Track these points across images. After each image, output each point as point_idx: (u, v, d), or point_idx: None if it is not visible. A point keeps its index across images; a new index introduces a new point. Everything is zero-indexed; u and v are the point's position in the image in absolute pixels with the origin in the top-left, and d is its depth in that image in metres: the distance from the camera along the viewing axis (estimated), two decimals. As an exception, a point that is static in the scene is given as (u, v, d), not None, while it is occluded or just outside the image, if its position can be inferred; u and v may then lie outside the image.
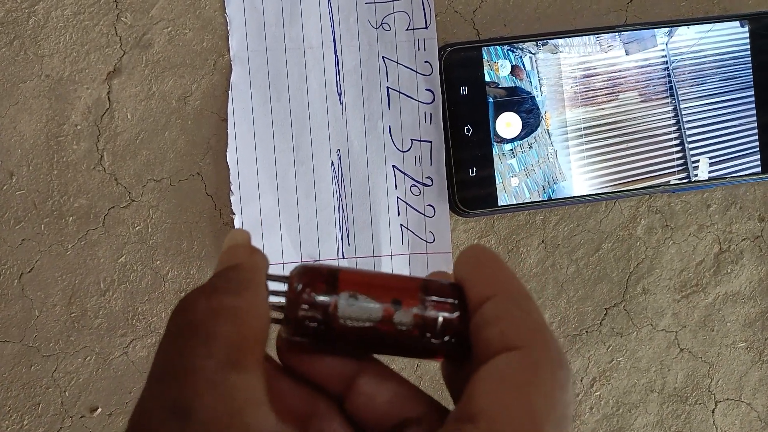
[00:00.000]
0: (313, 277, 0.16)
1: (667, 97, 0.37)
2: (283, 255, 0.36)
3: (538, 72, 0.36)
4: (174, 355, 0.14)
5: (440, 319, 0.16)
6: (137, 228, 0.36)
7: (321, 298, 0.16)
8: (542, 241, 0.38)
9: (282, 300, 0.17)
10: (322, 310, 0.16)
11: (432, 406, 0.17)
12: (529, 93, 0.36)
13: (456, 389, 0.17)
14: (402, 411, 0.16)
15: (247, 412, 0.14)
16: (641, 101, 0.37)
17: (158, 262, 0.36)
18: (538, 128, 0.36)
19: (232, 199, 0.35)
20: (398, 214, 0.37)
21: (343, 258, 0.36)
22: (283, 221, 0.36)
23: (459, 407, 0.14)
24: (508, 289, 0.16)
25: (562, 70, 0.36)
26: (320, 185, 0.36)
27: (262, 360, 0.15)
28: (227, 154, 0.35)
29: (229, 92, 0.35)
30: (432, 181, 0.36)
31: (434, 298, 0.17)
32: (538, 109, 0.36)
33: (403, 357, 0.17)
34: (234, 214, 0.35)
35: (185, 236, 0.36)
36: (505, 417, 0.13)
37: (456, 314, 0.16)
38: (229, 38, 0.35)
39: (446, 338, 0.16)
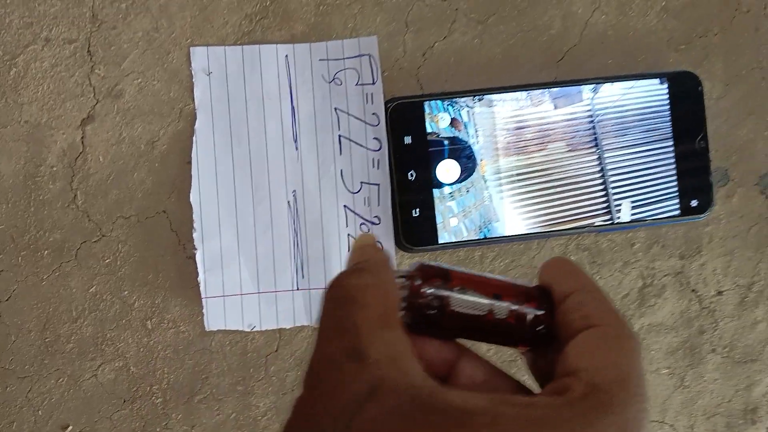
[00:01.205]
0: (431, 273, 0.20)
1: (592, 146, 0.41)
2: (241, 287, 0.39)
3: (474, 124, 0.40)
4: (340, 318, 0.18)
5: (531, 313, 0.20)
6: (107, 261, 0.40)
7: (437, 290, 0.20)
8: (481, 275, 0.42)
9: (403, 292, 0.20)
10: (438, 300, 0.20)
11: (519, 385, 0.20)
12: (467, 142, 0.40)
13: (539, 373, 0.21)
14: (496, 389, 0.20)
15: (403, 360, 0.17)
16: (568, 150, 0.41)
17: (126, 292, 0.40)
18: (475, 174, 0.40)
19: (194, 235, 0.39)
20: (348, 249, 0.40)
21: (297, 289, 0.40)
22: (242, 256, 0.39)
23: (557, 371, 0.18)
24: (585, 285, 0.20)
25: (496, 122, 0.40)
26: (277, 223, 0.40)
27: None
28: (191, 194, 0.39)
29: (194, 138, 0.39)
30: (379, 220, 0.40)
31: (526, 296, 0.20)
32: (474, 156, 0.40)
33: (496, 345, 0.21)
34: (196, 249, 0.39)
35: (151, 269, 0.40)
36: (599, 371, 0.17)
37: (543, 310, 0.20)
38: (194, 89, 0.39)
39: (537, 329, 0.20)
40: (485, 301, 0.20)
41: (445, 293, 0.20)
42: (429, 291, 0.20)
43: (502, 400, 0.16)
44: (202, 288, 0.39)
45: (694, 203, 0.42)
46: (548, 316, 0.20)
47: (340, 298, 0.19)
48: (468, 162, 0.40)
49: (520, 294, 0.20)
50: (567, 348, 0.18)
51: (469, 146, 0.40)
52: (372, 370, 0.16)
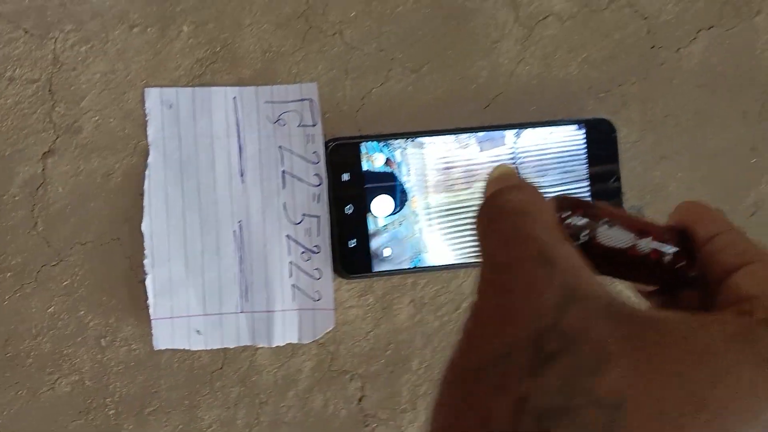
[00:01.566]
0: (577, 205, 0.20)
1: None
2: (188, 309, 0.43)
3: (407, 163, 0.44)
4: (515, 227, 0.17)
5: (671, 251, 0.20)
6: (65, 283, 0.43)
7: (585, 221, 0.20)
8: (412, 300, 0.46)
9: None
10: (586, 231, 0.19)
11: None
12: (400, 180, 0.44)
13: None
14: None
15: (586, 271, 0.17)
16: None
17: (82, 312, 0.43)
18: (407, 209, 0.44)
19: (145, 261, 0.42)
20: (290, 276, 0.44)
21: (242, 312, 0.43)
22: (190, 281, 0.43)
23: (719, 302, 0.18)
24: (731, 226, 0.20)
25: (427, 162, 0.44)
26: (223, 251, 0.43)
27: None
28: (142, 223, 0.42)
29: (146, 172, 0.42)
30: (319, 249, 0.44)
31: (667, 234, 0.21)
32: (406, 193, 0.44)
33: (631, 282, 0.21)
34: (146, 274, 0.42)
35: (105, 291, 0.43)
36: None
37: (683, 249, 0.20)
38: (147, 127, 0.43)
39: (677, 266, 0.20)
40: (630, 235, 0.20)
41: (593, 225, 0.20)
42: (578, 222, 0.20)
43: (692, 316, 0.16)
44: (151, 310, 0.42)
45: (605, 239, 0.46)
46: (687, 255, 0.20)
47: (509, 211, 0.18)
48: (401, 198, 0.44)
49: (661, 232, 0.20)
50: (732, 279, 0.18)
51: (402, 184, 0.44)
52: (564, 275, 0.16)
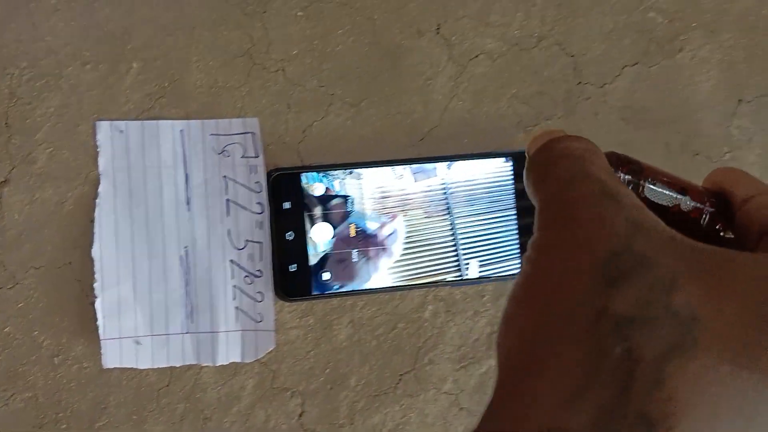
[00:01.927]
0: (625, 162, 0.21)
1: (445, 214, 0.48)
2: (136, 330, 0.46)
3: (346, 193, 0.47)
4: (576, 167, 0.18)
5: (710, 209, 0.21)
6: (20, 305, 0.46)
7: (633, 178, 0.21)
8: (351, 321, 0.49)
9: None
10: (633, 187, 0.20)
11: None
12: (338, 209, 0.47)
13: None
14: None
15: (645, 207, 0.17)
16: (425, 217, 0.48)
17: (36, 333, 0.46)
18: (345, 235, 0.47)
19: (95, 285, 0.45)
20: (234, 299, 0.47)
21: (187, 333, 0.46)
22: (138, 303, 0.46)
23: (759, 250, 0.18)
24: (767, 188, 0.20)
25: (364, 191, 0.47)
26: (170, 275, 0.46)
27: None
28: (93, 249, 0.45)
29: (97, 200, 0.45)
30: (262, 273, 0.47)
31: (707, 194, 0.22)
32: (345, 220, 0.47)
33: None
34: (96, 297, 0.45)
35: (58, 313, 0.46)
36: None
37: (721, 209, 0.21)
38: (98, 158, 0.45)
39: (716, 225, 0.21)
40: (673, 194, 0.21)
41: (640, 181, 0.21)
42: (625, 177, 0.21)
43: (751, 255, 0.17)
44: (100, 331, 0.45)
45: (532, 263, 0.49)
46: (725, 216, 0.21)
47: (570, 155, 0.19)
48: (339, 225, 0.47)
49: (702, 193, 0.22)
50: None
51: (341, 212, 0.47)
52: (628, 209, 0.17)
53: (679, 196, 0.21)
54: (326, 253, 0.47)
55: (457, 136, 0.50)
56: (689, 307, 0.15)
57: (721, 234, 0.22)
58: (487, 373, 0.50)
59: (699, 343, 0.14)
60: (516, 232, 0.49)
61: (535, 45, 0.51)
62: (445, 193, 0.48)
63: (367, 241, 0.48)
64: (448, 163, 0.48)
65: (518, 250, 0.49)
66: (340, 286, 0.47)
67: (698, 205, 0.21)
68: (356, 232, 0.47)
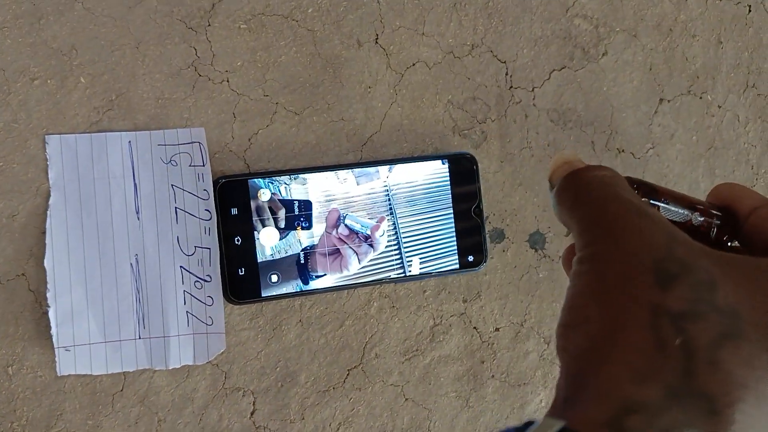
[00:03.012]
0: (642, 185, 0.24)
1: (388, 214, 0.51)
2: (89, 337, 0.47)
3: (291, 197, 0.50)
4: (608, 192, 0.21)
5: (718, 223, 0.24)
6: (-28, 317, 0.47)
7: (648, 199, 0.23)
8: (300, 320, 0.52)
9: None
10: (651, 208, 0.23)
11: None
12: (285, 213, 0.50)
13: None
14: None
15: (673, 225, 0.20)
16: (369, 218, 0.51)
17: (-11, 344, 0.47)
18: (292, 238, 0.50)
19: (48, 294, 0.47)
20: (185, 303, 0.49)
21: (140, 338, 0.48)
22: (90, 311, 0.48)
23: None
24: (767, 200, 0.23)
25: (309, 196, 0.50)
26: (121, 282, 0.48)
27: None
28: (45, 259, 0.47)
29: (48, 212, 0.47)
30: (211, 278, 0.49)
31: (714, 210, 0.24)
32: (291, 224, 0.50)
33: None
34: (49, 306, 0.47)
35: (11, 323, 0.47)
36: None
37: (727, 221, 0.24)
38: (49, 171, 0.47)
39: (724, 236, 0.24)
40: (685, 211, 0.24)
41: (657, 203, 0.23)
42: (643, 199, 0.23)
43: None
44: (54, 339, 0.47)
45: (470, 258, 0.53)
46: (731, 227, 0.24)
47: (602, 182, 0.21)
48: (285, 229, 0.50)
49: (708, 209, 0.24)
50: None
51: (287, 216, 0.50)
52: (662, 224, 0.20)
53: (689, 213, 0.24)
54: (274, 257, 0.50)
55: (397, 141, 0.53)
56: (730, 304, 0.17)
57: (729, 244, 0.24)
58: (431, 365, 0.54)
59: (743, 333, 0.17)
60: (453, 229, 0.52)
61: (468, 53, 0.55)
62: (387, 195, 0.51)
63: (315, 243, 0.50)
64: (389, 166, 0.51)
65: (455, 247, 0.52)
66: (288, 288, 0.50)
67: (707, 219, 0.24)
68: (303, 233, 0.50)
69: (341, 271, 0.51)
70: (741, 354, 0.17)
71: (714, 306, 0.17)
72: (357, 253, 0.51)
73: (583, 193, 0.21)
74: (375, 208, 0.51)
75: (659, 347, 0.17)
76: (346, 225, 0.51)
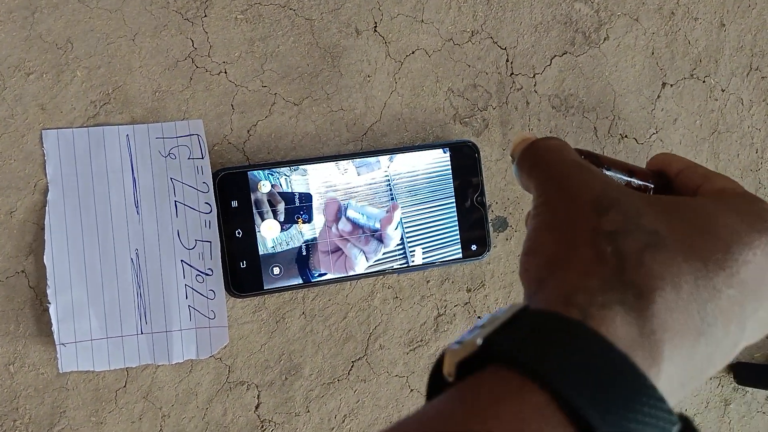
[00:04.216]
0: (587, 154, 0.28)
1: (389, 204, 0.51)
2: (91, 333, 0.48)
3: (292, 189, 0.50)
4: (559, 152, 0.26)
5: (652, 184, 0.28)
6: (-28, 315, 0.47)
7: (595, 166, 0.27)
8: (303, 313, 0.52)
9: None
10: None
11: None
12: (285, 205, 0.50)
13: None
14: None
15: (613, 183, 0.24)
16: (375, 208, 0.51)
17: (-10, 341, 0.47)
18: (293, 230, 0.50)
19: (48, 291, 0.47)
20: (186, 298, 0.49)
21: (141, 333, 0.49)
22: (91, 307, 0.48)
23: (700, 194, 0.26)
24: (691, 162, 0.28)
25: (310, 187, 0.50)
26: (122, 277, 0.48)
27: None
28: (44, 255, 0.47)
29: (46, 208, 0.47)
30: (212, 271, 0.49)
31: (648, 174, 0.28)
32: (292, 216, 0.50)
33: None
34: (50, 303, 0.47)
35: (12, 320, 0.48)
36: (736, 188, 0.26)
37: (659, 183, 0.28)
38: (46, 166, 0.47)
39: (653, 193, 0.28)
40: (623, 176, 0.28)
41: (599, 167, 0.28)
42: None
43: (689, 197, 0.25)
44: (55, 336, 0.47)
45: (473, 248, 0.53)
46: (663, 187, 0.29)
47: (551, 148, 0.26)
48: (287, 220, 0.50)
49: (645, 173, 0.29)
50: (703, 187, 0.26)
51: (288, 208, 0.50)
52: (599, 175, 0.25)
53: (628, 178, 0.28)
54: (275, 249, 0.50)
55: (397, 130, 0.53)
56: (652, 225, 0.22)
57: None
58: (435, 355, 0.54)
59: (662, 243, 0.22)
60: (455, 218, 0.53)
61: (468, 39, 0.55)
62: (388, 184, 0.51)
63: (316, 234, 0.51)
64: (390, 156, 0.51)
65: (458, 236, 0.53)
66: (291, 280, 0.50)
67: (643, 183, 0.29)
68: (305, 226, 0.50)
69: (346, 272, 0.51)
70: (660, 257, 0.21)
71: (639, 226, 0.22)
72: (364, 252, 0.51)
73: (537, 158, 0.26)
74: (376, 199, 0.51)
75: (598, 255, 0.22)
76: (348, 218, 0.51)
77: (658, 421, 0.19)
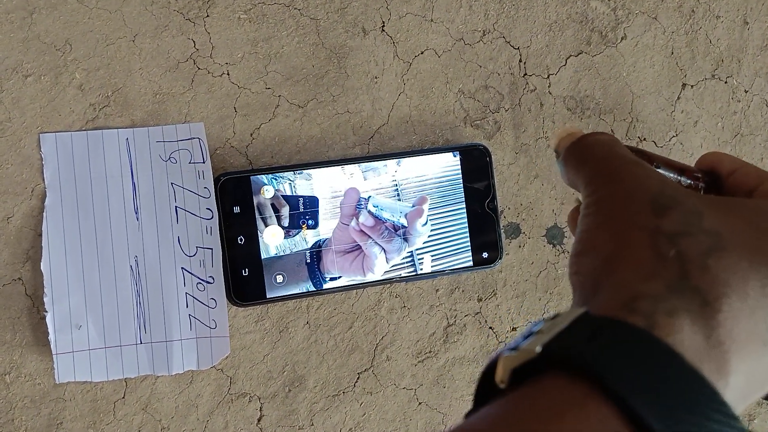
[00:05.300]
0: (637, 151, 0.27)
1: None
2: (89, 343, 0.47)
3: (295, 194, 0.49)
4: (611, 147, 0.25)
5: (703, 184, 0.28)
6: (-32, 323, 0.46)
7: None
8: (307, 322, 0.51)
9: None
10: None
11: None
12: (289, 210, 0.49)
13: None
14: None
15: (670, 182, 0.24)
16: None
17: (-14, 351, 0.47)
18: (297, 237, 0.49)
19: (45, 299, 0.46)
20: (187, 306, 0.48)
21: (141, 343, 0.48)
22: (89, 315, 0.47)
23: (757, 196, 0.25)
24: (745, 162, 0.28)
25: (314, 192, 0.49)
26: (121, 285, 0.47)
27: None
28: (41, 262, 0.46)
29: (44, 214, 0.46)
30: (213, 279, 0.48)
31: (699, 173, 0.28)
32: (296, 222, 0.49)
33: None
34: (47, 311, 0.46)
35: (8, 329, 0.47)
36: None
37: (709, 183, 0.28)
38: (44, 171, 0.47)
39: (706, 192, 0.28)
40: (674, 175, 0.28)
41: (651, 165, 0.27)
42: None
43: (747, 199, 0.25)
44: (52, 346, 0.46)
45: (485, 255, 0.51)
46: (715, 187, 0.28)
47: (602, 143, 0.26)
48: (291, 226, 0.49)
49: (695, 172, 0.28)
50: (759, 189, 0.26)
51: (291, 214, 0.49)
52: (654, 172, 0.24)
53: (678, 176, 0.28)
54: (279, 256, 0.49)
55: (405, 133, 0.52)
56: (714, 227, 0.22)
57: None
58: (445, 366, 0.53)
59: (725, 247, 0.21)
60: (465, 225, 0.51)
61: (479, 39, 0.53)
62: (396, 189, 0.50)
63: (321, 241, 0.49)
64: (398, 160, 0.50)
65: (468, 243, 0.51)
66: (294, 288, 0.49)
67: (693, 182, 0.28)
68: (310, 232, 0.49)
69: (363, 274, 0.49)
70: (724, 262, 0.21)
71: (701, 228, 0.22)
72: (385, 251, 0.50)
73: (587, 153, 0.26)
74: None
75: (659, 258, 0.21)
76: (370, 212, 0.50)
77: None
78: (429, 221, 0.51)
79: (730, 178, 0.27)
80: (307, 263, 0.49)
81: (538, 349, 0.19)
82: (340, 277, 0.49)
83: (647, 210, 0.22)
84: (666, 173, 0.28)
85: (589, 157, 0.26)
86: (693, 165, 0.29)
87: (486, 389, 0.21)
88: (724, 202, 0.24)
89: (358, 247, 0.50)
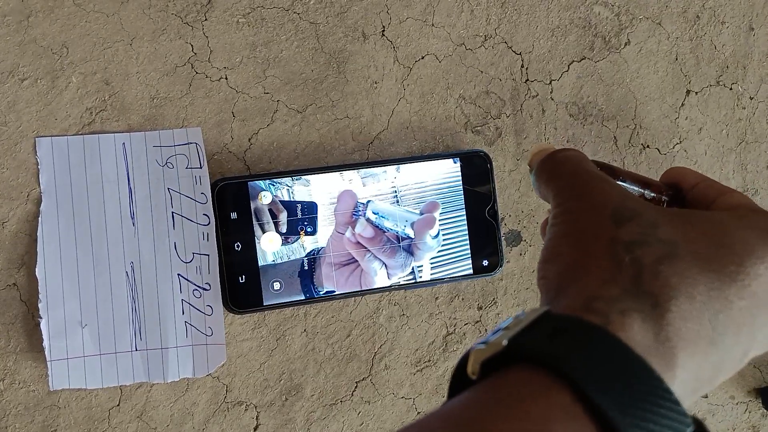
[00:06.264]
0: (602, 165, 0.29)
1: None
2: (83, 349, 0.47)
3: (294, 200, 0.49)
4: (577, 162, 0.28)
5: (666, 197, 0.30)
6: (-38, 329, 0.46)
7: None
8: (304, 330, 0.50)
9: None
10: None
11: None
12: (287, 217, 0.49)
13: None
14: None
15: (631, 195, 0.26)
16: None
17: (-20, 357, 0.47)
18: (295, 244, 0.49)
19: (39, 305, 0.46)
20: (183, 313, 0.48)
21: (136, 350, 0.47)
22: (84, 322, 0.47)
23: (714, 209, 0.27)
24: (706, 177, 0.30)
25: (313, 198, 0.49)
26: (116, 291, 0.47)
27: None
28: (36, 268, 0.46)
29: (39, 219, 0.46)
30: (210, 286, 0.48)
31: (662, 187, 0.30)
32: (294, 228, 0.49)
33: None
34: (41, 317, 0.46)
35: (3, 335, 0.47)
36: (750, 205, 0.27)
37: (672, 197, 0.30)
38: (40, 175, 0.47)
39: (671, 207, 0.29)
40: (638, 188, 0.29)
41: (615, 179, 0.29)
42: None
43: (704, 211, 0.27)
44: (47, 352, 0.46)
45: (485, 263, 0.51)
46: (677, 200, 0.30)
47: (570, 158, 0.28)
48: (288, 233, 0.49)
49: (659, 185, 0.30)
50: (717, 203, 0.28)
51: (289, 220, 0.49)
52: (617, 187, 0.26)
53: (642, 190, 0.30)
54: (276, 263, 0.49)
55: (405, 139, 0.52)
56: (669, 237, 0.24)
57: None
58: (444, 376, 0.52)
59: (678, 255, 0.23)
60: (465, 232, 0.51)
61: (480, 44, 0.53)
62: (395, 195, 0.50)
63: (319, 248, 0.49)
64: (397, 166, 0.50)
65: (468, 251, 0.51)
66: (292, 295, 0.49)
67: (657, 194, 0.30)
68: (308, 238, 0.49)
69: (360, 288, 0.49)
70: (675, 268, 0.23)
71: (656, 238, 0.24)
72: (386, 266, 0.49)
73: (556, 168, 0.28)
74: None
75: (616, 264, 0.23)
76: (369, 220, 0.50)
77: (673, 422, 0.20)
78: (441, 233, 0.50)
79: (692, 192, 0.29)
80: (305, 270, 0.49)
81: (505, 342, 0.21)
82: (334, 291, 0.49)
83: (608, 221, 0.25)
84: (631, 187, 0.29)
85: (558, 172, 0.28)
86: (658, 179, 0.31)
87: (459, 381, 0.22)
88: (681, 214, 0.25)
89: (354, 261, 0.50)
